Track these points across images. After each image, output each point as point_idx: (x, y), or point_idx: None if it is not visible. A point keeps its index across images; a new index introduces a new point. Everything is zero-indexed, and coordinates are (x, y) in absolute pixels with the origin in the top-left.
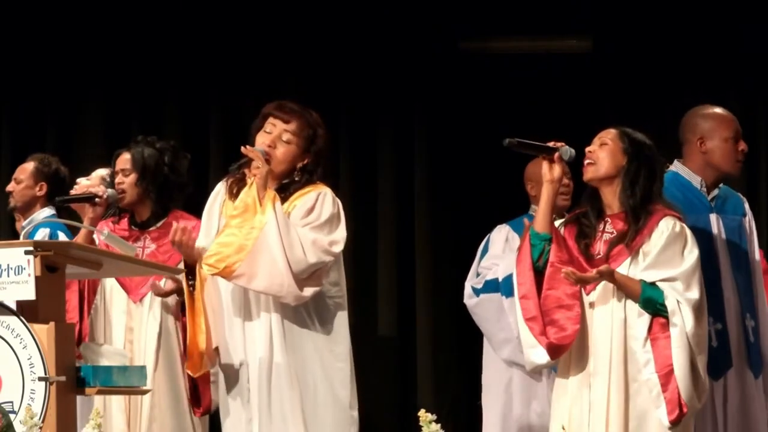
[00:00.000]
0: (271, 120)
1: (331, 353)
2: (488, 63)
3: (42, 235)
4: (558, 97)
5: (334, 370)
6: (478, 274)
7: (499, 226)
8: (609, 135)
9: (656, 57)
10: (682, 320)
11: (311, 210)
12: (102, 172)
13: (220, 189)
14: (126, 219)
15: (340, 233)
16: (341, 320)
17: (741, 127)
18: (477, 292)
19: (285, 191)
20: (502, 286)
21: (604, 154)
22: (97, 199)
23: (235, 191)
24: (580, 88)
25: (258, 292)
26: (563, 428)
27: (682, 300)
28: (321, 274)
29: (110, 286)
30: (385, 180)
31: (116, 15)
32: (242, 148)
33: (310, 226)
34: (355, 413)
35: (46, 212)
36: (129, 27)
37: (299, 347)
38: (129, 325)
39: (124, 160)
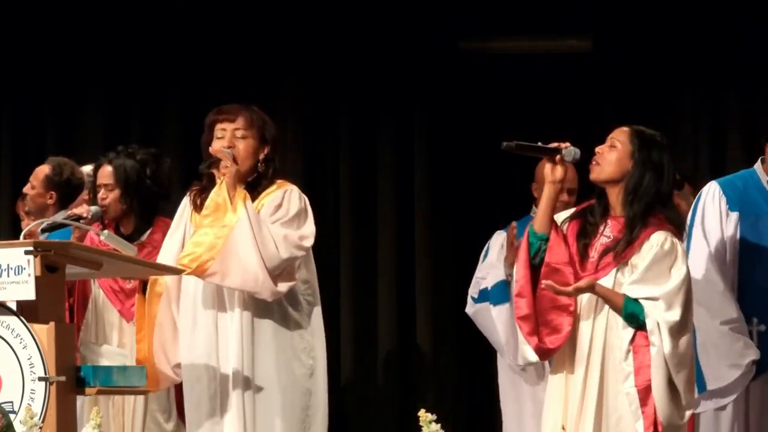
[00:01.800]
0: (218, 126)
1: (304, 350)
2: (488, 63)
3: None
4: (558, 97)
5: (305, 366)
6: (475, 283)
7: (498, 232)
8: (621, 136)
9: (656, 57)
10: (660, 341)
11: (279, 206)
12: (87, 168)
13: (186, 203)
14: (111, 231)
15: (309, 228)
16: (316, 317)
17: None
18: (475, 300)
19: (254, 189)
20: (491, 294)
21: (611, 156)
22: (81, 220)
23: (198, 202)
24: (580, 88)
25: (232, 288)
26: (563, 428)
27: (661, 321)
28: (293, 270)
29: (102, 302)
30: (385, 180)
31: (116, 15)
32: (210, 149)
33: (279, 222)
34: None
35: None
36: (129, 27)
37: (272, 348)
38: (121, 341)
39: (107, 174)
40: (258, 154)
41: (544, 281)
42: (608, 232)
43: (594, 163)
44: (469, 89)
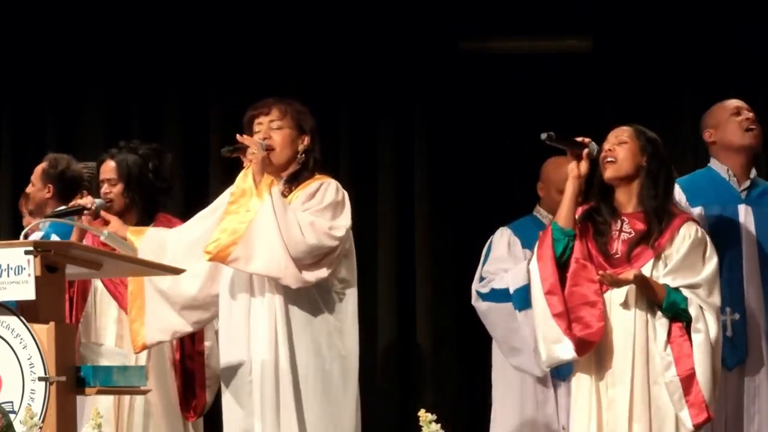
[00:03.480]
0: (256, 121)
1: (335, 347)
2: (488, 63)
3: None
4: (558, 97)
5: (338, 363)
6: (482, 278)
7: (501, 229)
8: (626, 133)
9: (656, 57)
10: (706, 326)
11: (312, 196)
12: (90, 164)
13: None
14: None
15: (343, 221)
16: (350, 314)
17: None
18: (483, 297)
19: (294, 180)
20: (514, 299)
21: (624, 152)
22: (86, 211)
23: None
24: (580, 88)
25: (257, 274)
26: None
27: (705, 306)
28: (325, 261)
29: (100, 294)
30: (385, 180)
31: (116, 15)
32: (238, 136)
33: (309, 211)
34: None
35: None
36: (128, 27)
37: (304, 342)
38: (120, 333)
39: (110, 168)
40: (296, 145)
41: (600, 272)
42: (628, 228)
43: (608, 161)
44: (469, 89)
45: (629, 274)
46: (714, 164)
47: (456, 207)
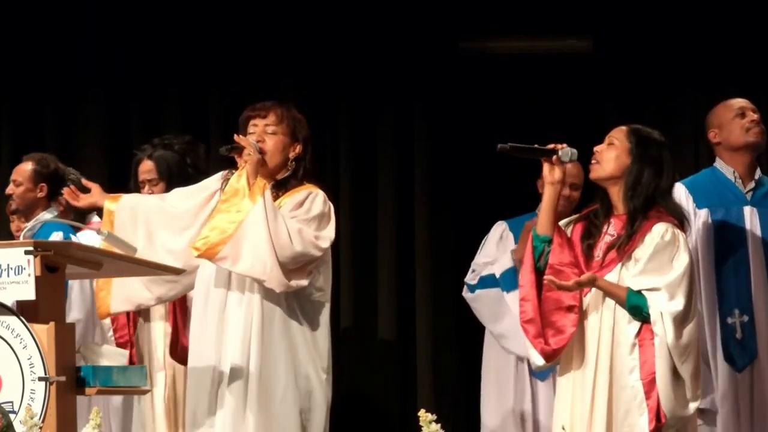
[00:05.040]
0: (251, 122)
1: (308, 353)
2: (488, 63)
3: (56, 238)
4: (558, 97)
5: (314, 366)
6: (473, 271)
7: (498, 222)
8: (618, 134)
9: (656, 57)
10: (664, 331)
11: (300, 204)
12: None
13: (219, 183)
14: None
15: (328, 232)
16: (323, 324)
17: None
18: (471, 288)
19: (282, 188)
20: (501, 281)
21: (609, 154)
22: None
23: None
24: (580, 88)
25: (242, 274)
26: (563, 428)
27: (664, 311)
28: (307, 270)
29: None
30: (385, 180)
31: (116, 15)
32: (235, 136)
33: (297, 219)
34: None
35: (49, 214)
36: (128, 27)
37: (281, 347)
38: (167, 330)
39: (149, 168)
40: (288, 152)
41: (545, 277)
42: (611, 230)
43: (593, 162)
44: (469, 89)
45: (570, 282)
46: (719, 165)
47: (456, 207)
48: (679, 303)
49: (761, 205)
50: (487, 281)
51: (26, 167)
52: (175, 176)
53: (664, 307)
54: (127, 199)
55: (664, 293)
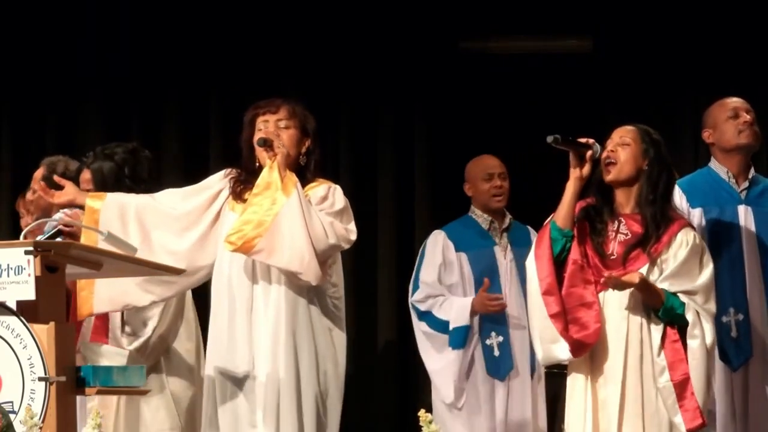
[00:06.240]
0: (260, 119)
1: (329, 348)
2: (488, 63)
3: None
4: (558, 97)
5: (333, 362)
6: (416, 286)
7: (435, 232)
8: (630, 134)
9: (656, 57)
10: (702, 333)
11: (324, 198)
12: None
13: (223, 183)
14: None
15: (353, 226)
16: (340, 315)
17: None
18: (420, 314)
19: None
20: (452, 336)
21: (626, 155)
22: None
23: (238, 191)
24: (580, 88)
25: (278, 267)
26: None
27: (702, 312)
28: (327, 264)
29: None
30: (385, 179)
31: (116, 15)
32: (263, 130)
33: (325, 212)
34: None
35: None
36: (128, 27)
37: (306, 344)
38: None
39: (87, 178)
40: (300, 146)
41: (605, 275)
42: (623, 229)
43: (609, 163)
44: (469, 89)
45: (634, 276)
46: (714, 165)
47: (456, 206)
48: (713, 305)
49: (756, 204)
50: (438, 324)
51: (38, 174)
52: (109, 187)
53: (701, 308)
54: (113, 197)
55: (700, 296)
